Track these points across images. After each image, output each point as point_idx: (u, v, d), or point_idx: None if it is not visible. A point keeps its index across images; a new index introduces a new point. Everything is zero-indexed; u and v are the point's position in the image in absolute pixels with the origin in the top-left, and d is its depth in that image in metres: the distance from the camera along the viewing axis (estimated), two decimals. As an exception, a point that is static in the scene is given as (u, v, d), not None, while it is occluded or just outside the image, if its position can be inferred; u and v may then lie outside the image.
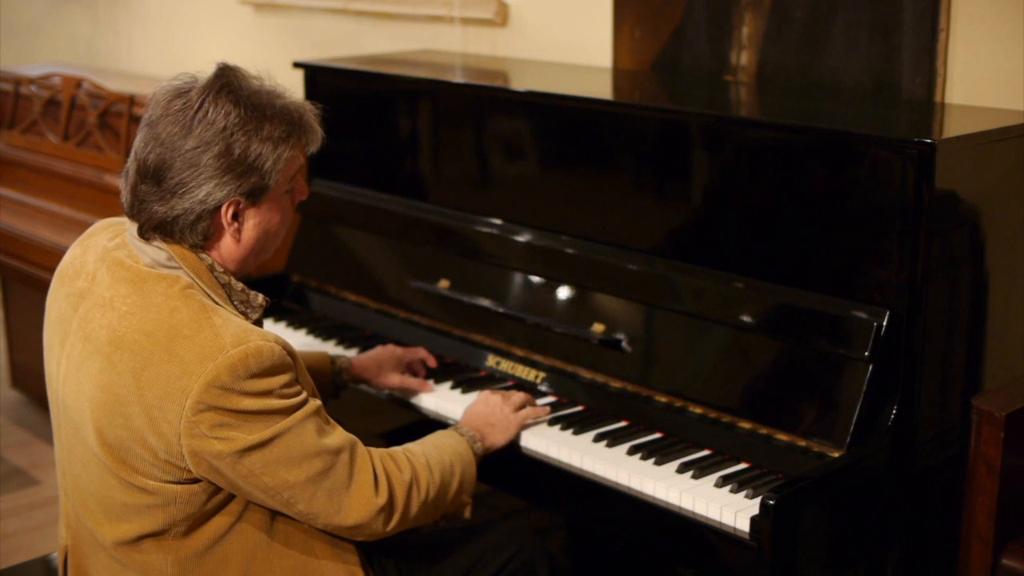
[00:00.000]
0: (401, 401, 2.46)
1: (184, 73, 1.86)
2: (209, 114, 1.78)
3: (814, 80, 2.64)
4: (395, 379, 2.44)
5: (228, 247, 1.86)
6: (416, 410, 2.44)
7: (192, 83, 1.82)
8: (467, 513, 2.08)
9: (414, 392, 2.45)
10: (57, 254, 3.50)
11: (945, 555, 2.25)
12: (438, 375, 2.51)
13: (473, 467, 2.07)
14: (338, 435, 1.83)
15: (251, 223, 1.85)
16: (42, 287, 3.61)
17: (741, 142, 2.28)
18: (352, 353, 2.65)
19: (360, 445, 1.87)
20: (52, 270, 3.51)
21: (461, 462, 2.04)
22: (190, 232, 1.81)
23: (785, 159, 2.20)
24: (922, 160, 1.98)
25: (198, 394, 1.70)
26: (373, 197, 2.89)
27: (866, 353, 2.03)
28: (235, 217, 1.83)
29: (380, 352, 2.47)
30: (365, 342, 2.70)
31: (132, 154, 1.83)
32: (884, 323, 2.03)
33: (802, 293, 2.14)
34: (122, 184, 1.86)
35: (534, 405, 2.32)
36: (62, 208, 3.75)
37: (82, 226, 3.57)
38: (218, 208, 1.80)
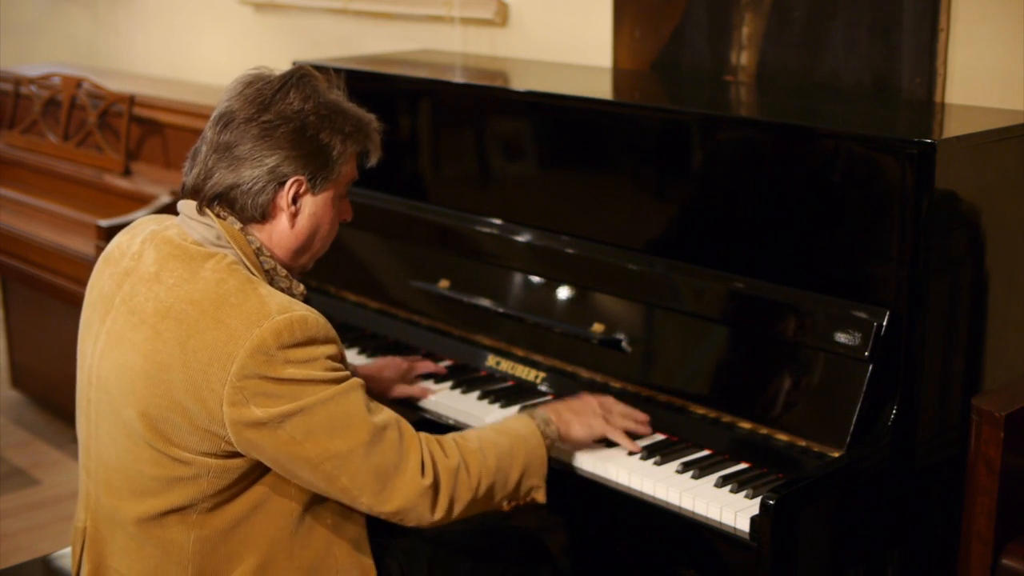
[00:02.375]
0: (401, 401, 2.46)
1: (261, 66, 1.94)
2: (290, 95, 1.87)
3: (814, 80, 2.65)
4: (396, 390, 2.44)
5: (281, 231, 1.90)
6: (415, 409, 2.44)
7: (270, 72, 1.92)
8: (540, 497, 2.00)
9: (415, 398, 2.45)
10: (57, 254, 3.51)
11: (945, 555, 2.25)
12: (438, 375, 2.51)
13: (542, 450, 1.99)
14: (385, 412, 1.83)
15: (307, 212, 1.91)
16: (42, 287, 3.62)
17: (741, 142, 2.28)
18: (352, 353, 2.65)
19: (406, 424, 1.85)
20: (52, 270, 3.55)
21: (525, 446, 1.97)
22: (251, 204, 1.86)
23: (784, 159, 2.20)
24: (922, 160, 1.98)
25: (243, 359, 1.73)
26: (373, 197, 2.88)
27: (866, 353, 2.03)
28: (294, 200, 1.88)
29: (383, 362, 2.48)
30: (365, 342, 2.70)
31: (204, 132, 1.90)
32: (884, 323, 2.03)
33: (802, 293, 2.14)
34: (187, 163, 1.92)
35: (637, 420, 2.19)
36: (62, 208, 3.76)
37: (82, 226, 3.59)
38: (282, 184, 1.86)
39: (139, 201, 3.53)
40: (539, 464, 1.99)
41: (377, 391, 2.43)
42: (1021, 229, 2.22)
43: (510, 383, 2.47)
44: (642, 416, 2.21)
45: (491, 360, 2.53)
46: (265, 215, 1.88)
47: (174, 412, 1.77)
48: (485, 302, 2.57)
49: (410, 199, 2.85)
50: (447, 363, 2.56)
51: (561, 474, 2.19)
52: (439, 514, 1.85)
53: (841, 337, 2.06)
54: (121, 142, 3.73)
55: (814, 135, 2.15)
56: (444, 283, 2.67)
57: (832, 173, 2.12)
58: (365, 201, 2.89)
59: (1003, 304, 2.22)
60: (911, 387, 2.05)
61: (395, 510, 1.82)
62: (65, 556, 2.24)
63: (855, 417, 2.03)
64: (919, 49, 2.47)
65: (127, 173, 3.72)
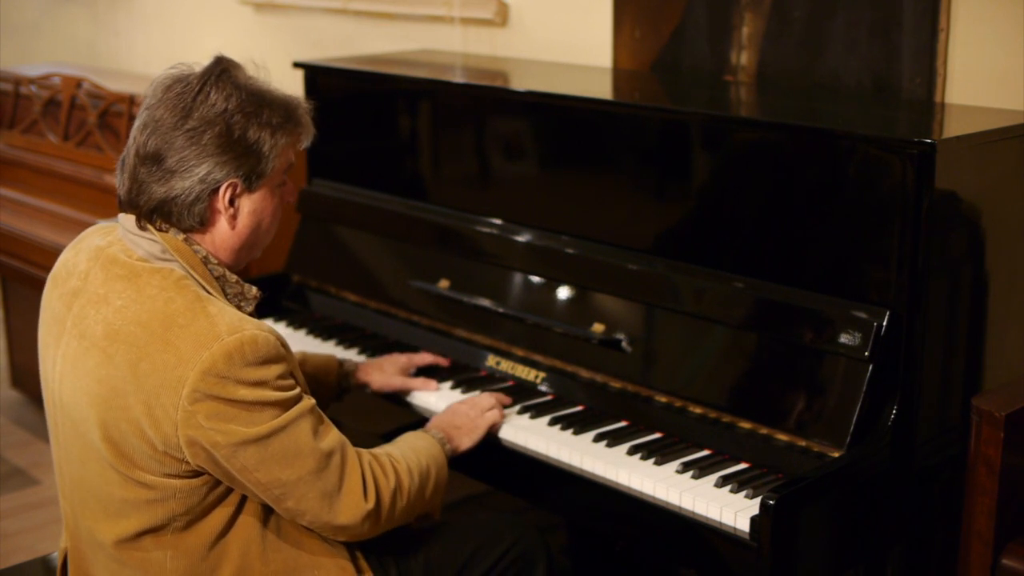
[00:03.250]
0: (402, 402, 2.46)
1: (180, 63, 1.89)
2: (211, 96, 1.82)
3: (814, 80, 2.64)
4: (398, 380, 2.44)
5: (223, 234, 1.87)
6: (416, 411, 2.44)
7: (189, 71, 1.86)
8: (437, 515, 2.09)
9: (416, 392, 2.45)
10: (57, 254, 3.51)
11: (945, 555, 2.25)
12: (438, 375, 2.51)
13: (445, 469, 2.08)
14: (331, 437, 1.84)
15: (246, 210, 1.88)
16: (42, 287, 3.61)
17: (740, 142, 2.28)
18: (352, 353, 2.65)
19: (350, 448, 1.88)
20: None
21: (436, 465, 2.05)
22: (187, 214, 1.83)
23: (785, 159, 2.20)
24: (922, 160, 1.98)
25: (194, 382, 1.71)
26: (373, 197, 2.88)
27: (866, 353, 2.03)
28: (231, 203, 1.85)
29: (387, 358, 2.49)
30: (365, 342, 2.70)
31: (130, 141, 1.85)
32: (884, 323, 2.03)
33: (802, 293, 2.14)
34: (118, 174, 1.88)
35: (503, 404, 2.31)
36: (62, 208, 3.75)
37: (82, 226, 3.57)
38: (216, 191, 1.83)
39: (139, 201, 3.52)
40: (444, 483, 2.08)
41: (379, 382, 2.43)
42: (1021, 229, 2.22)
43: (510, 383, 2.47)
44: (503, 397, 2.33)
45: (491, 360, 2.53)
46: (204, 222, 1.85)
47: (134, 436, 1.76)
48: (485, 302, 2.57)
49: (410, 199, 2.85)
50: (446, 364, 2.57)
51: (561, 474, 2.19)
52: (375, 531, 1.91)
53: (841, 337, 2.06)
54: (121, 142, 3.72)
55: (814, 135, 2.15)
56: (444, 283, 2.67)
57: (832, 173, 2.12)
58: (365, 201, 2.89)
59: (1003, 304, 2.22)
60: (911, 387, 2.05)
61: (337, 528, 1.86)
62: (65, 556, 2.24)
63: (855, 417, 2.03)
64: (919, 49, 2.47)
65: (127, 173, 3.71)
